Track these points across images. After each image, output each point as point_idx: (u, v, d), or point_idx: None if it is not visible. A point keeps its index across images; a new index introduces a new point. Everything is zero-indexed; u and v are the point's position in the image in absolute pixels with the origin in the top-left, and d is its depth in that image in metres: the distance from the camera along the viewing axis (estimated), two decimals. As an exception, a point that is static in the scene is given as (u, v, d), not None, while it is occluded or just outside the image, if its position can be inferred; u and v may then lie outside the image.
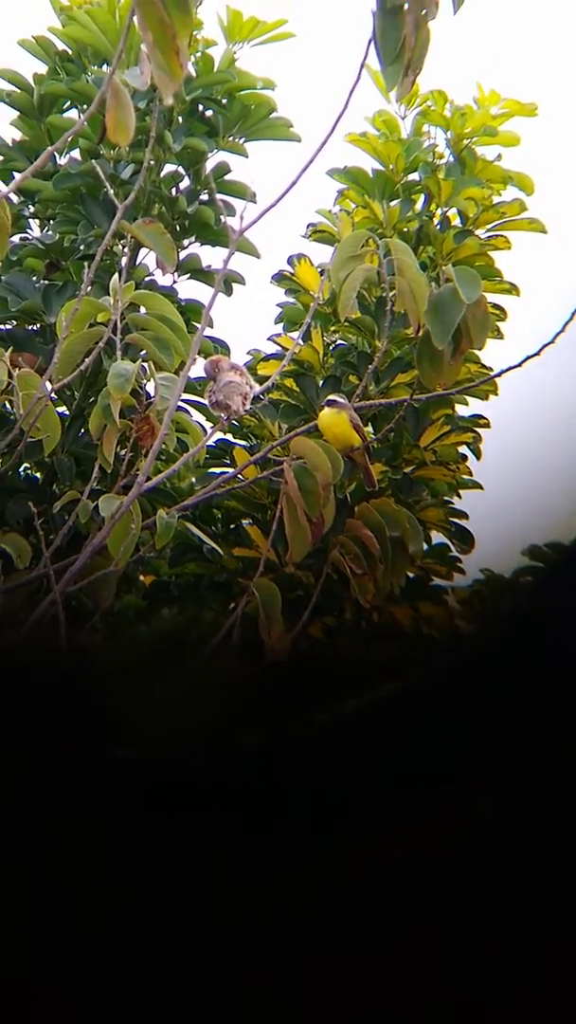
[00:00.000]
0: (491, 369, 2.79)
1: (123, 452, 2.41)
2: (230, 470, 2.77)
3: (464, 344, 2.36)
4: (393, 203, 2.95)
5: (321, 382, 2.88)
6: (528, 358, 2.43)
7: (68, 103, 2.90)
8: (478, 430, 2.95)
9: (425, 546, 2.90)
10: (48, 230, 2.96)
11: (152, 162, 2.81)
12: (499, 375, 2.63)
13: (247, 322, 3.10)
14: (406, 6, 2.05)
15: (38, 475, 2.86)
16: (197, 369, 2.58)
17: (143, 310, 2.51)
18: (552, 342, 2.39)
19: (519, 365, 2.47)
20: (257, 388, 2.46)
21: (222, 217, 2.74)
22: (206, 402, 2.56)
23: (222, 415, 2.47)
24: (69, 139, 2.48)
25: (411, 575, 2.87)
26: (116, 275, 2.46)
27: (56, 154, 2.85)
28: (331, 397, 2.55)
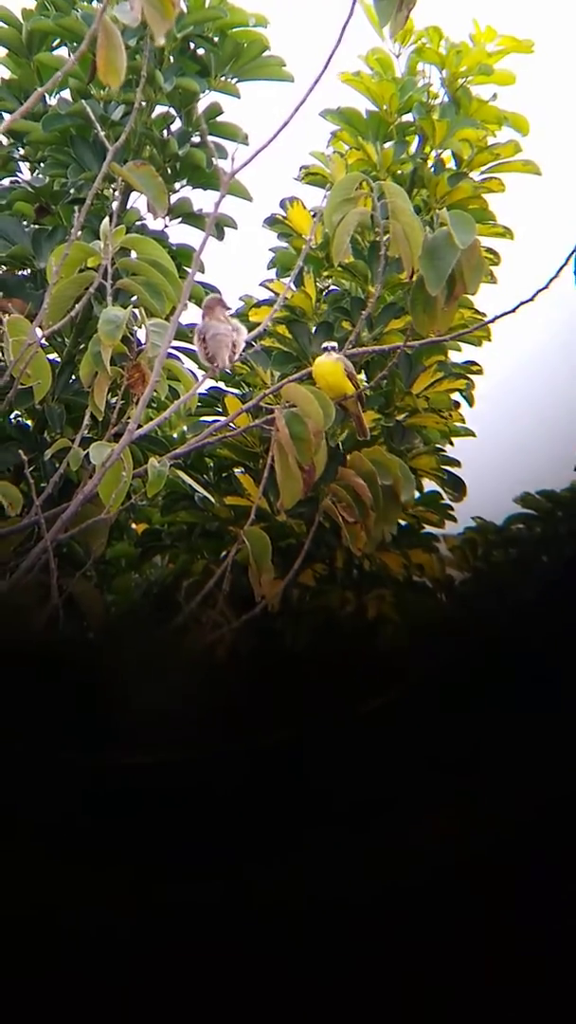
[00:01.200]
0: (485, 315, 2.77)
1: (114, 400, 2.40)
2: (222, 418, 2.76)
3: (458, 289, 2.34)
4: (387, 145, 2.91)
5: (314, 329, 2.86)
6: (522, 303, 2.40)
7: (57, 40, 2.84)
8: (471, 377, 2.93)
9: (417, 494, 2.89)
10: (38, 173, 2.91)
11: (143, 103, 2.75)
12: (492, 321, 2.61)
13: (239, 267, 3.07)
14: None
15: (29, 423, 2.84)
16: (188, 315, 2.56)
17: (134, 255, 2.48)
18: (546, 287, 2.37)
19: (513, 311, 2.44)
20: (245, 337, 2.44)
21: (214, 159, 2.70)
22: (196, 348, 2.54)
23: (210, 367, 2.45)
24: (59, 79, 2.43)
25: (403, 523, 2.87)
26: (107, 219, 2.42)
27: (46, 94, 2.80)
28: (326, 344, 2.53)
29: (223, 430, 2.57)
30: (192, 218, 2.88)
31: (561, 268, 2.40)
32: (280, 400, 2.31)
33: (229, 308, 2.54)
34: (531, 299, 2.40)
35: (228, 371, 2.75)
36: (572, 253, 2.24)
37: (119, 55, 2.00)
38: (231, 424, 2.59)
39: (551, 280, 2.40)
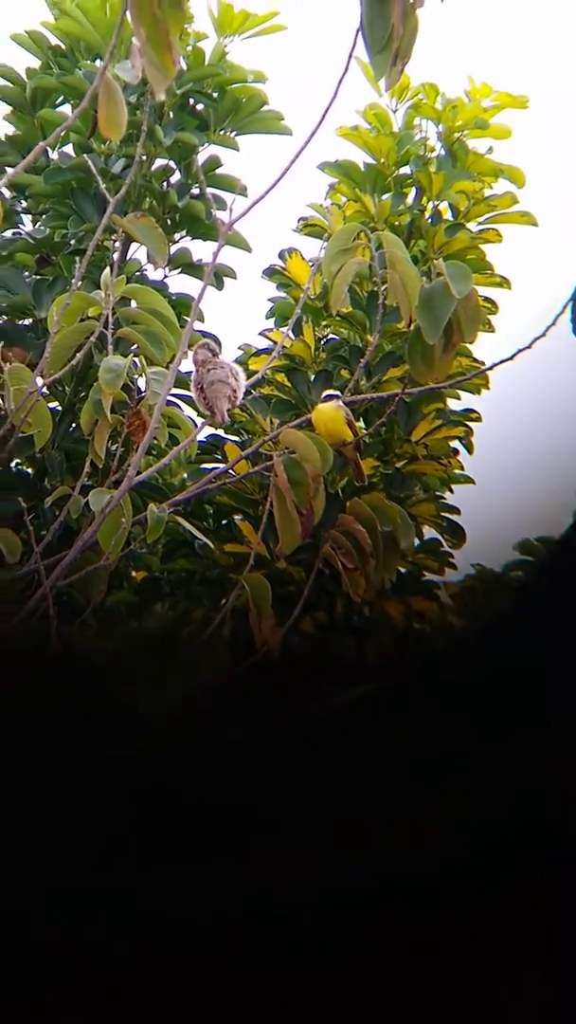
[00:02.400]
0: (482, 363, 2.79)
1: (114, 448, 2.40)
2: (221, 465, 2.77)
3: (455, 338, 2.35)
4: (384, 197, 2.95)
5: (312, 377, 2.88)
6: (519, 351, 2.42)
7: (60, 98, 2.89)
8: (469, 424, 2.95)
9: (417, 541, 2.90)
10: (39, 225, 2.95)
11: (143, 156, 2.80)
12: (490, 368, 2.63)
13: (239, 317, 3.10)
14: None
15: (29, 470, 2.85)
16: (188, 364, 2.58)
17: (134, 304, 2.50)
18: (543, 335, 2.38)
19: (510, 358, 2.46)
20: (243, 385, 2.45)
21: (213, 211, 2.73)
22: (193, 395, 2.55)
23: (209, 417, 2.46)
24: (61, 134, 2.47)
25: (403, 570, 2.87)
26: (107, 270, 2.45)
27: (48, 149, 2.84)
28: (328, 392, 2.55)
29: (222, 477, 2.58)
30: (191, 268, 2.91)
31: (558, 316, 2.41)
32: (279, 446, 2.32)
33: (217, 352, 2.55)
34: (528, 347, 2.42)
35: (228, 419, 2.76)
36: (569, 300, 2.26)
37: (120, 111, 2.03)
38: (230, 471, 2.59)
39: (548, 327, 2.41)
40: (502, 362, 2.50)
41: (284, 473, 2.20)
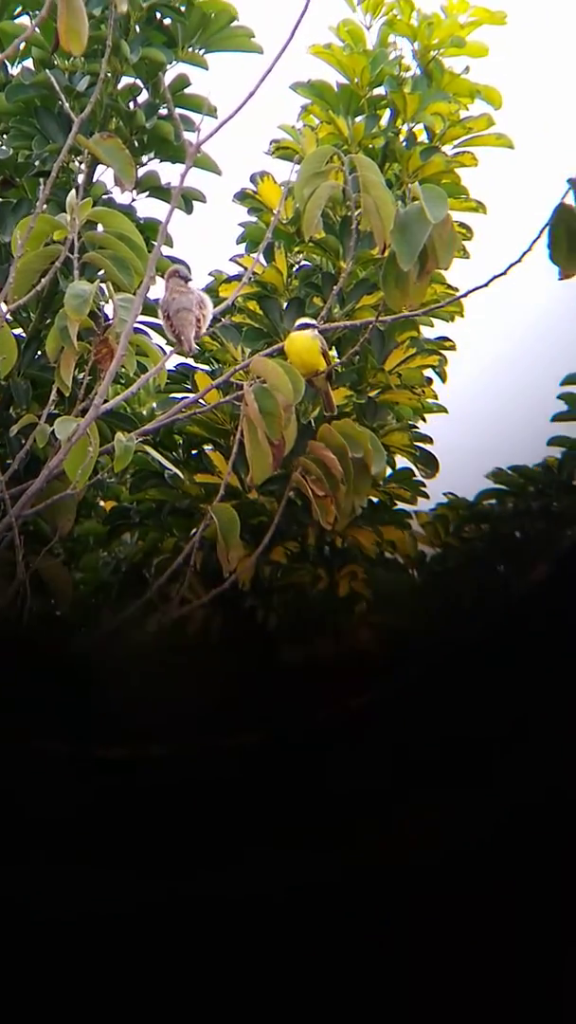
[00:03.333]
0: (457, 290, 2.75)
1: (81, 376, 2.36)
2: (191, 395, 2.72)
3: (430, 264, 2.30)
4: (358, 119, 2.87)
5: (285, 304, 2.83)
6: (495, 277, 2.38)
7: (19, 8, 2.78)
8: (444, 353, 2.91)
9: (389, 471, 2.88)
10: (1, 145, 2.86)
11: (108, 74, 2.71)
12: (465, 295, 2.58)
13: (209, 242, 3.03)
14: None
15: (-6, 399, 2.80)
16: (157, 289, 2.52)
17: (101, 228, 2.44)
18: (518, 261, 2.34)
19: (485, 285, 2.42)
20: (211, 314, 2.40)
21: (181, 132, 2.65)
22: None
23: (176, 346, 2.41)
24: (20, 47, 2.38)
25: (375, 499, 2.86)
26: (73, 192, 2.38)
27: (8, 63, 2.75)
28: (302, 320, 2.50)
29: (192, 407, 2.54)
30: (159, 191, 2.84)
31: (534, 242, 2.37)
32: (249, 376, 2.28)
33: (189, 278, 2.49)
34: (503, 273, 2.37)
35: (197, 346, 2.71)
36: (546, 225, 2.22)
37: (81, 21, 1.96)
38: (201, 401, 2.55)
39: (524, 253, 2.37)
40: (477, 288, 2.46)
41: (255, 403, 2.16)
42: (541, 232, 2.32)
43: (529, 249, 2.35)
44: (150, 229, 2.70)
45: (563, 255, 2.14)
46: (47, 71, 2.66)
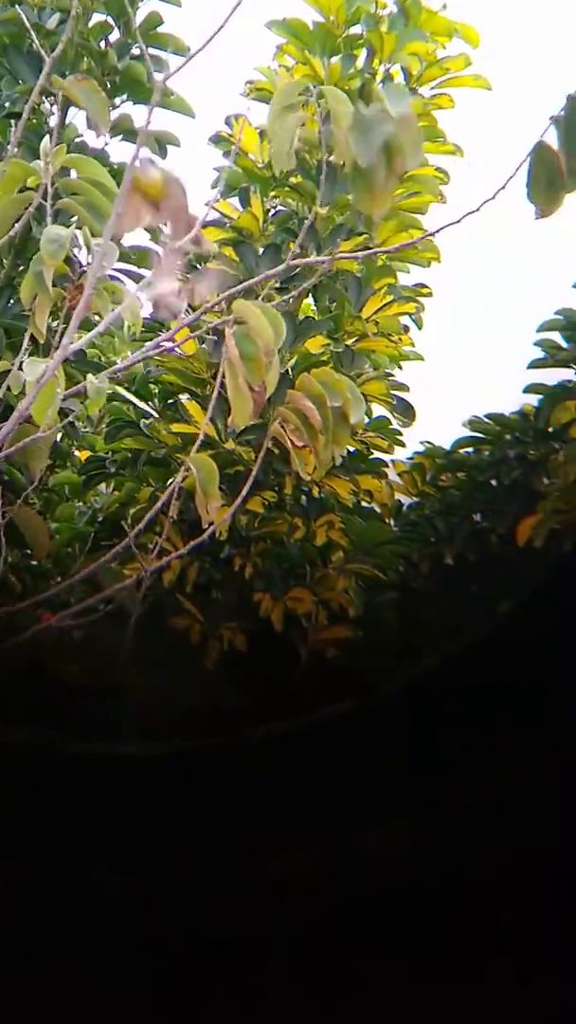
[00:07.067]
0: (433, 235, 2.71)
1: (56, 324, 2.32)
2: (167, 343, 2.69)
3: (398, 163, 2.21)
4: (334, 59, 2.82)
5: (261, 250, 2.79)
6: (468, 214, 2.33)
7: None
8: (420, 300, 2.89)
9: (366, 419, 2.87)
10: (-31, 85, 2.78)
11: (79, 11, 2.63)
12: (437, 232, 2.54)
13: (186, 187, 2.97)
14: None
15: (-33, 347, 2.75)
16: (133, 237, 2.47)
17: (75, 174, 2.39)
18: (492, 198, 2.30)
19: (458, 222, 2.38)
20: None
21: (152, 73, 2.59)
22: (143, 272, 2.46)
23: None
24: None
25: (352, 449, 2.85)
26: (47, 137, 2.32)
27: (-25, 0, 2.67)
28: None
29: (165, 353, 2.51)
30: (133, 135, 2.78)
31: (509, 179, 2.33)
32: (231, 320, 2.25)
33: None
34: (476, 210, 2.33)
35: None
36: (523, 162, 2.16)
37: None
38: (177, 349, 2.52)
39: (498, 191, 2.32)
40: (449, 225, 2.42)
41: (236, 348, 2.12)
42: (517, 170, 2.27)
43: (503, 187, 2.30)
44: (123, 173, 2.65)
45: (541, 194, 2.08)
46: (16, 7, 2.58)
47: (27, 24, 2.41)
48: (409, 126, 2.07)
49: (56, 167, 2.23)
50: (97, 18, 2.73)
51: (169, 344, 2.53)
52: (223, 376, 2.01)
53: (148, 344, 2.43)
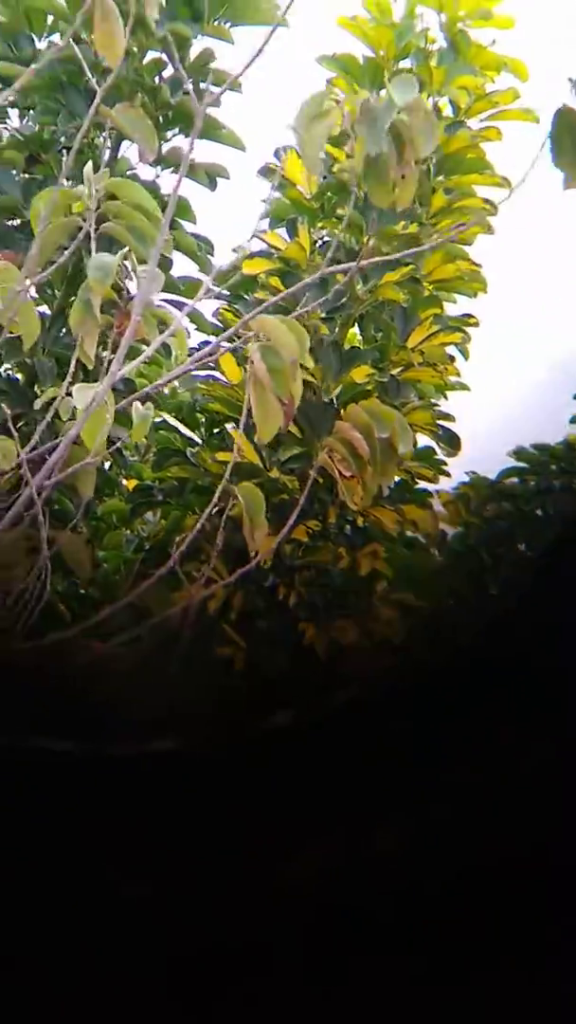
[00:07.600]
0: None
1: (105, 353, 2.35)
2: (214, 372, 2.72)
3: (408, 152, 2.19)
4: (383, 92, 2.84)
5: (307, 279, 2.80)
6: (512, 191, 2.27)
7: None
8: (467, 330, 2.89)
9: (412, 449, 2.86)
10: (27, 120, 2.85)
11: (134, 48, 2.69)
12: (464, 227, 2.49)
13: (235, 219, 3.01)
14: None
15: (19, 376, 2.80)
16: (181, 267, 2.50)
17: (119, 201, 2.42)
18: (523, 181, 2.22)
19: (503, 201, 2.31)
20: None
21: (204, 108, 2.63)
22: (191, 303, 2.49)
23: None
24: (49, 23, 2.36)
25: (397, 478, 2.84)
26: (90, 164, 2.37)
27: (35, 38, 2.74)
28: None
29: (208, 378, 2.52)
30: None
31: (540, 149, 2.26)
32: (253, 337, 2.24)
33: None
34: (508, 197, 2.29)
35: (219, 323, 2.70)
36: (551, 133, 2.09)
37: (115, 24, 1.93)
38: (220, 375, 2.54)
39: (532, 164, 2.24)
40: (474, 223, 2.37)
41: (262, 362, 2.12)
42: (546, 142, 2.21)
43: (531, 167, 2.23)
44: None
45: (568, 159, 2.03)
46: (74, 45, 2.64)
47: (83, 63, 2.46)
48: (419, 115, 2.06)
49: (100, 192, 2.26)
50: (152, 56, 2.79)
51: (200, 371, 2.54)
52: (249, 395, 2.01)
53: (184, 363, 2.45)
